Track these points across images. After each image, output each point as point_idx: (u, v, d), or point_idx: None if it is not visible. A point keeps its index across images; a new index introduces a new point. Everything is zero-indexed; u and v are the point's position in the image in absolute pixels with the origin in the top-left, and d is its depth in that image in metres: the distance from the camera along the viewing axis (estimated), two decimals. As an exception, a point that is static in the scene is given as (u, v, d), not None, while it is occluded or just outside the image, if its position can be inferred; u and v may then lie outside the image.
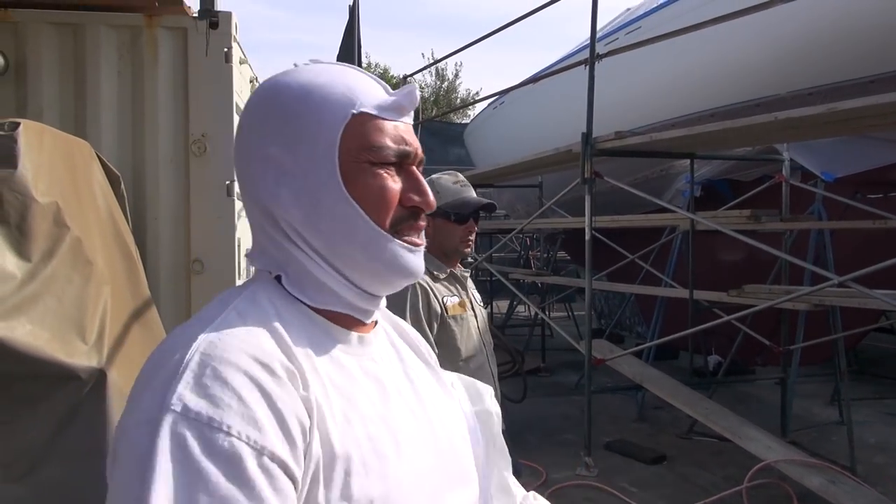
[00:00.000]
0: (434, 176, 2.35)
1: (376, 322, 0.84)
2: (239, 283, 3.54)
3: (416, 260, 0.76)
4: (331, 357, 0.73)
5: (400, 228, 0.75)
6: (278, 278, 0.76)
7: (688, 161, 5.14)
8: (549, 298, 9.24)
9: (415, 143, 0.77)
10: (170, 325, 3.03)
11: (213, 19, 3.35)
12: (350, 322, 0.78)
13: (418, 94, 0.78)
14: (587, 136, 4.38)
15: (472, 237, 2.42)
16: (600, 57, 4.41)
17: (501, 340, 3.89)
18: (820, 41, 4.51)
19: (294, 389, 0.65)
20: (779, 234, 5.04)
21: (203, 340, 0.65)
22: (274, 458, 0.60)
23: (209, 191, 3.36)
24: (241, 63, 3.85)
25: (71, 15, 3.28)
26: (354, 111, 0.73)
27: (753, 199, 5.52)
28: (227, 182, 3.40)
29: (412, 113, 0.79)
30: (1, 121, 2.33)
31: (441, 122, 14.11)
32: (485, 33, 6.21)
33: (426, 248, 0.80)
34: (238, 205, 3.63)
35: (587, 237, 4.47)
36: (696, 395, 4.51)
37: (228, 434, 0.59)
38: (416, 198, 0.76)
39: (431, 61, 17.79)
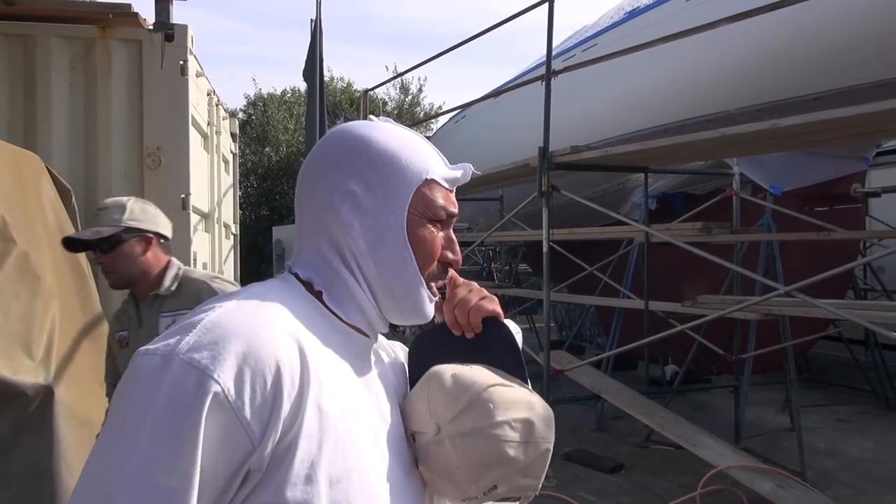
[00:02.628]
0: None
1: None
2: (194, 296, 3.51)
3: (431, 307, 0.92)
4: (339, 353, 0.84)
5: (431, 278, 0.91)
6: (319, 293, 0.88)
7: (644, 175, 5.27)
8: (511, 310, 9.30)
9: (453, 209, 0.93)
10: (122, 341, 2.99)
11: (169, 32, 3.34)
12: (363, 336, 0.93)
13: (462, 170, 0.94)
14: (544, 150, 4.46)
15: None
16: (556, 73, 4.50)
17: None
18: (768, 59, 4.67)
19: (287, 375, 0.73)
20: (730, 245, 5.17)
21: (220, 311, 0.75)
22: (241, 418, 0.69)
23: (164, 204, 3.28)
24: (197, 76, 3.83)
25: (21, 26, 3.24)
26: (427, 177, 0.89)
27: (706, 211, 5.66)
28: (183, 195, 3.38)
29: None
30: (-55, 133, 2.28)
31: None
32: (447, 48, 6.27)
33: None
34: (194, 218, 3.60)
35: (545, 249, 4.53)
36: (652, 404, 4.59)
37: (217, 382, 0.68)
38: (450, 255, 0.92)
39: (394, 74, 17.86)
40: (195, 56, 3.62)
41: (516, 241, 8.25)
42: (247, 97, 22.04)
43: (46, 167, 2.92)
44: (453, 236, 0.94)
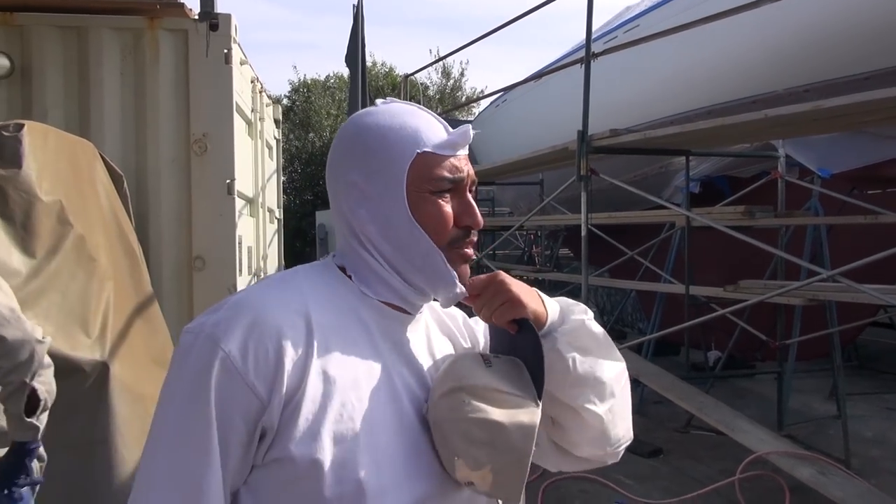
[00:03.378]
0: None
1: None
2: (240, 279, 3.63)
3: (455, 275, 0.93)
4: (366, 328, 0.91)
5: (456, 245, 0.93)
6: (350, 277, 0.94)
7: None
8: (552, 295, 9.29)
9: (467, 171, 0.94)
10: (171, 320, 3.11)
11: (213, 21, 3.42)
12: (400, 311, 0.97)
13: (472, 131, 0.94)
14: (583, 134, 4.44)
15: None
16: (596, 55, 4.46)
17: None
18: (817, 38, 4.54)
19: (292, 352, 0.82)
20: (775, 230, 5.07)
21: (246, 291, 0.90)
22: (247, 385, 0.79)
23: (210, 189, 3.44)
24: (241, 64, 3.92)
25: (74, 18, 3.36)
26: (419, 150, 0.91)
27: (751, 195, 5.56)
28: (228, 181, 3.47)
29: (467, 146, 0.95)
30: (6, 122, 2.41)
31: (447, 118, 14.17)
32: (488, 31, 6.26)
33: None
34: (239, 203, 3.71)
35: (583, 233, 4.52)
36: (692, 389, 4.56)
37: (223, 350, 0.79)
38: (466, 220, 0.93)
39: (435, 59, 17.84)
40: (239, 44, 3.70)
41: (557, 225, 8.22)
42: (290, 83, 22.29)
43: (100, 154, 3.06)
44: (469, 199, 0.95)
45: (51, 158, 2.52)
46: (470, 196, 0.96)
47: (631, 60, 5.33)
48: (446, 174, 0.92)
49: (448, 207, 0.93)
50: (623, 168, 5.96)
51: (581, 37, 4.65)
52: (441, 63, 21.07)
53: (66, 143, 2.74)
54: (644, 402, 5.76)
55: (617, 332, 8.41)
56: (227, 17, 3.49)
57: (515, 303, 0.93)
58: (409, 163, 0.91)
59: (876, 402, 5.97)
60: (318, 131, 19.55)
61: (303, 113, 20.28)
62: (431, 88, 22.09)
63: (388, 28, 39.39)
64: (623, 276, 7.10)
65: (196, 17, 3.47)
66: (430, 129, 0.93)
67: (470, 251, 0.95)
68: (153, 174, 3.39)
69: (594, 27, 4.73)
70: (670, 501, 3.89)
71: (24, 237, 2.31)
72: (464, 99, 21.91)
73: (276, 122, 5.74)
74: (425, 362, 0.97)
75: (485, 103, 11.05)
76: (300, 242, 17.23)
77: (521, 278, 8.20)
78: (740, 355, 6.37)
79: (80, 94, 3.35)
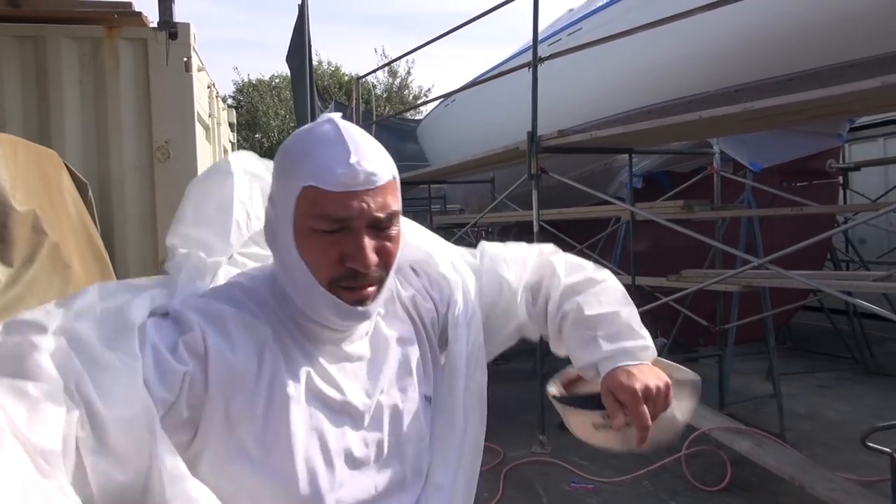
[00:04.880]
0: None
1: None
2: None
3: (349, 312, 0.91)
4: (271, 331, 0.93)
5: (336, 286, 0.90)
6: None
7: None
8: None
9: (360, 209, 0.88)
10: (140, 324, 3.18)
11: (172, 30, 3.49)
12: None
13: (368, 165, 0.88)
14: (532, 135, 4.65)
15: None
16: (542, 60, 4.68)
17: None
18: (746, 41, 4.87)
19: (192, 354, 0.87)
20: (712, 222, 5.40)
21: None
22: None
23: (174, 194, 3.50)
24: (199, 70, 3.99)
25: (31, 28, 3.38)
26: (304, 185, 0.87)
27: (690, 189, 5.88)
28: (191, 186, 3.56)
29: (374, 178, 0.89)
30: (-23, 135, 2.45)
31: (395, 118, 14.27)
32: (434, 29, 6.45)
33: None
34: (201, 208, 3.78)
35: (535, 229, 4.75)
36: (640, 374, 4.83)
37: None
38: (349, 262, 0.89)
39: (383, 60, 17.98)
40: (196, 52, 3.77)
41: (508, 222, 8.46)
42: (235, 83, 22.03)
43: (64, 163, 3.10)
44: (361, 240, 0.89)
45: (21, 169, 2.57)
46: (365, 237, 0.89)
47: (575, 62, 5.58)
48: (329, 213, 0.87)
49: (331, 247, 0.88)
50: (571, 165, 6.22)
51: (527, 37, 4.86)
52: (392, 63, 21.16)
53: (34, 153, 2.78)
54: (596, 388, 6.01)
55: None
56: (186, 25, 3.56)
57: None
58: (296, 196, 0.88)
59: (808, 381, 6.39)
60: (266, 132, 19.42)
61: (248, 114, 20.08)
62: (378, 87, 22.14)
63: (333, 26, 39.19)
64: (572, 270, 7.36)
65: (155, 25, 3.54)
66: (329, 161, 0.87)
67: (359, 292, 0.91)
68: (117, 181, 3.44)
69: (539, 28, 4.95)
70: (622, 478, 4.15)
71: (0, 247, 2.36)
72: (411, 98, 22.03)
73: (231, 125, 5.80)
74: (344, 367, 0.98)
75: (434, 102, 11.21)
76: (251, 244, 17.09)
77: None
78: (684, 341, 6.72)
79: (39, 104, 3.37)
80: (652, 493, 4.00)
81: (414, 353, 1.07)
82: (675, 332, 5.97)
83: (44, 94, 3.37)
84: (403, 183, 8.58)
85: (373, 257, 0.89)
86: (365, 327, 1.01)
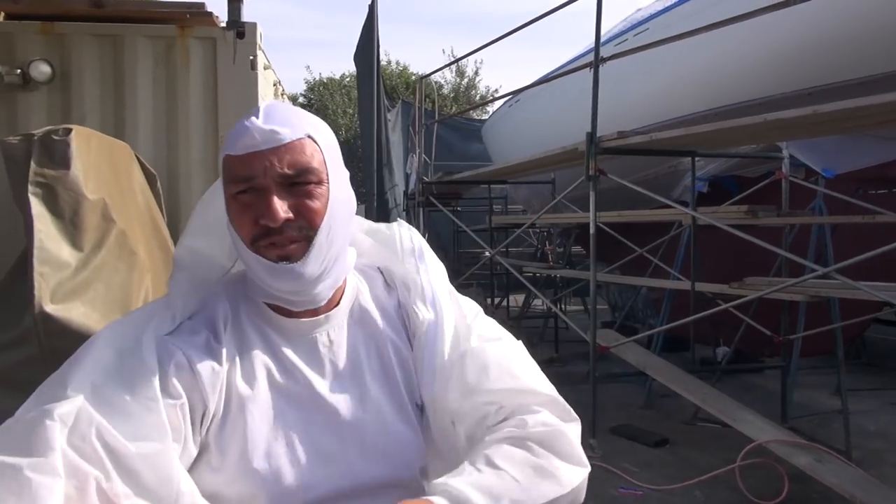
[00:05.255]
0: None
1: (338, 305, 1.06)
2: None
3: (276, 270, 0.95)
4: (254, 335, 1.00)
5: (258, 245, 0.96)
6: None
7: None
8: (562, 291, 9.45)
9: (264, 169, 0.93)
10: (201, 311, 3.32)
11: (240, 30, 3.63)
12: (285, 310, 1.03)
13: (270, 125, 0.94)
14: (592, 136, 4.60)
15: None
16: (604, 60, 4.62)
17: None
18: (821, 41, 4.67)
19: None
20: (780, 229, 5.20)
21: None
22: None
23: (236, 188, 3.64)
24: (265, 69, 4.12)
25: (111, 27, 3.58)
26: (222, 156, 0.99)
27: (757, 194, 5.68)
28: (254, 180, 3.69)
29: (277, 136, 0.94)
30: (55, 127, 2.62)
31: (462, 118, 14.32)
32: (502, 30, 6.44)
33: None
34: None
35: (591, 231, 4.69)
36: (698, 382, 4.71)
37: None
38: (261, 219, 0.94)
39: (450, 59, 18.06)
40: (263, 51, 3.90)
41: (569, 223, 8.38)
42: (306, 82, 22.57)
43: (136, 155, 3.27)
44: (268, 199, 0.93)
45: (94, 160, 2.73)
46: (274, 195, 0.93)
47: (640, 63, 5.47)
48: (235, 174, 0.95)
49: (247, 208, 0.94)
50: (633, 168, 6.11)
51: (592, 38, 4.80)
52: (456, 63, 21.25)
53: (107, 144, 2.95)
54: (652, 395, 5.90)
55: (628, 328, 8.55)
56: (253, 25, 3.69)
57: None
58: (222, 170, 0.99)
59: (882, 398, 6.08)
60: (334, 129, 19.83)
61: (319, 112, 20.55)
62: (446, 87, 22.26)
63: (401, 26, 39.63)
64: (634, 273, 7.24)
65: (223, 25, 3.69)
66: (238, 128, 0.95)
67: (281, 249, 0.95)
68: (184, 174, 3.59)
69: (605, 28, 4.89)
70: (673, 487, 4.05)
71: (72, 232, 2.51)
72: (478, 98, 22.07)
73: (297, 122, 5.96)
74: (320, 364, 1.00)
75: (499, 103, 11.20)
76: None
77: (533, 276, 8.36)
78: (749, 351, 6.50)
79: (115, 99, 3.56)
80: (703, 504, 3.91)
81: (402, 357, 1.06)
82: (737, 340, 5.78)
83: (120, 90, 3.56)
84: (462, 182, 8.56)
85: (280, 213, 0.92)
86: (338, 319, 1.03)
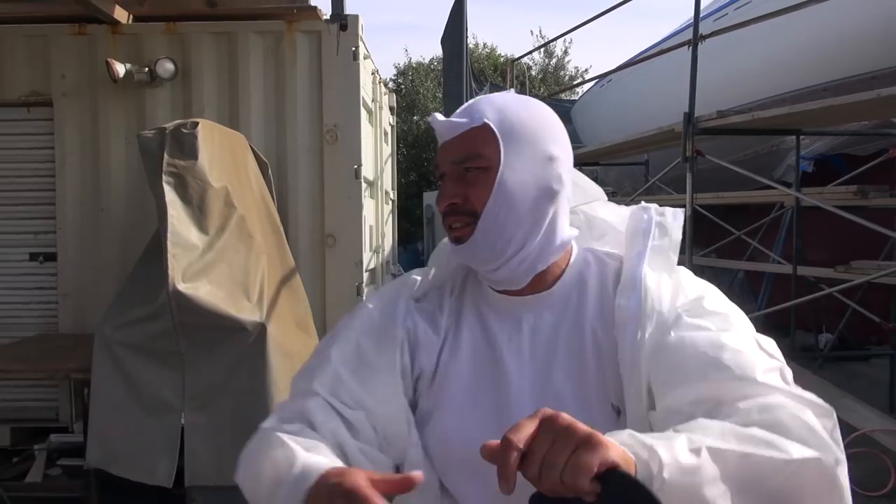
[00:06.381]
0: None
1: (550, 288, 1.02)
2: (365, 255, 4.01)
3: (453, 249, 1.00)
4: (469, 305, 1.05)
5: (445, 225, 0.99)
6: None
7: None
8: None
9: (443, 155, 0.98)
10: (308, 290, 3.53)
11: (343, 22, 3.80)
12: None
13: (457, 115, 0.98)
14: (689, 116, 4.51)
15: None
16: (703, 38, 4.51)
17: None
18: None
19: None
20: (892, 210, 4.94)
21: None
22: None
23: (340, 174, 3.83)
24: (364, 58, 4.29)
25: (225, 25, 3.83)
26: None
27: (867, 174, 5.40)
28: (355, 166, 3.85)
29: (457, 125, 0.97)
30: (184, 121, 2.87)
31: (551, 99, 14.20)
32: (589, 4, 6.35)
33: None
34: (364, 186, 4.09)
35: (686, 213, 4.60)
36: (798, 369, 4.57)
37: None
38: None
39: (540, 41, 17.87)
40: (363, 41, 4.06)
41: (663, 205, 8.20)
42: (396, 66, 22.88)
43: (250, 145, 3.51)
44: (444, 185, 0.97)
45: (217, 150, 2.97)
46: (448, 180, 0.97)
47: (739, 38, 5.30)
48: (436, 163, 1.00)
49: (440, 192, 0.98)
50: (732, 147, 5.93)
51: (691, 11, 4.68)
52: (546, 45, 20.97)
53: (226, 136, 3.19)
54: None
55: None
56: (355, 17, 3.84)
57: (594, 444, 0.64)
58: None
59: None
60: (423, 114, 20.02)
61: (408, 96, 20.79)
62: (534, 68, 22.01)
63: (490, 8, 39.34)
64: (731, 257, 7.04)
65: (327, 18, 3.86)
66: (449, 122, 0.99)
67: (453, 231, 0.98)
68: (291, 161, 3.81)
69: (703, 4, 4.75)
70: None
71: (199, 218, 2.76)
72: (566, 78, 21.71)
73: (391, 109, 6.13)
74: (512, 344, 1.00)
75: (590, 84, 11.05)
76: (407, 222, 17.81)
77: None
78: (854, 338, 6.22)
79: (230, 92, 3.81)
80: (804, 493, 3.82)
81: (605, 355, 0.96)
82: (841, 327, 5.55)
83: (234, 84, 3.80)
84: None
85: (447, 198, 0.97)
86: (546, 302, 1.01)
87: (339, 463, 0.83)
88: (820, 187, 4.90)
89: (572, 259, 1.04)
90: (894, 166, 5.07)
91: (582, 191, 1.16)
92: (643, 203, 1.08)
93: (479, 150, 0.95)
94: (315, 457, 0.82)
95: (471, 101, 1.00)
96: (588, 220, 1.14)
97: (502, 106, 0.98)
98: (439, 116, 0.99)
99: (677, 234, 1.02)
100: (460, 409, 0.98)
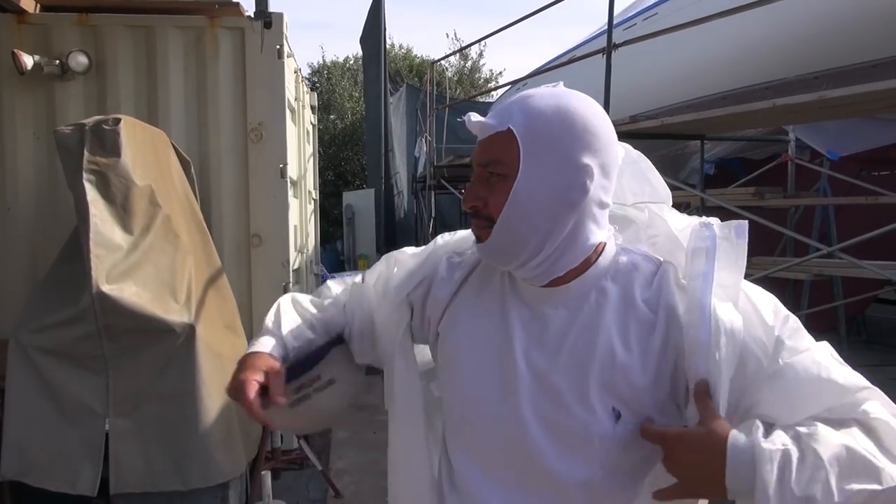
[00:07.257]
0: None
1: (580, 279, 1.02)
2: (292, 255, 3.97)
3: (477, 248, 1.03)
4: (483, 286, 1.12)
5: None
6: None
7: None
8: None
9: (474, 156, 1.02)
10: (235, 291, 3.47)
11: (267, 20, 3.76)
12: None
13: (487, 117, 0.99)
14: (604, 120, 4.71)
15: None
16: (616, 46, 4.73)
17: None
18: (826, 27, 4.78)
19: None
20: (785, 210, 5.35)
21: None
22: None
23: (265, 173, 3.78)
24: (288, 57, 4.25)
25: (143, 18, 3.70)
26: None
27: (763, 176, 5.82)
28: (281, 165, 3.82)
29: (485, 127, 0.99)
30: (105, 117, 2.77)
31: (467, 101, 14.40)
32: (506, 10, 6.51)
33: None
34: (289, 185, 4.05)
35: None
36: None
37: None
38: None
39: (455, 43, 18.11)
40: (287, 40, 4.02)
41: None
42: (310, 65, 22.57)
43: (171, 142, 3.41)
44: (471, 186, 1.01)
45: (140, 147, 2.88)
46: (476, 180, 1.00)
47: (649, 47, 5.57)
48: (474, 157, 1.03)
49: (467, 191, 1.02)
50: (642, 150, 6.21)
51: (601, 14, 4.86)
52: (458, 45, 21.24)
53: (149, 133, 3.10)
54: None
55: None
56: (280, 15, 3.81)
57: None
58: None
59: (880, 374, 6.21)
60: (340, 113, 19.84)
61: (325, 95, 20.55)
62: (450, 70, 22.24)
63: (404, 9, 39.40)
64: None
65: (251, 15, 3.81)
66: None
67: (475, 229, 1.02)
68: (215, 160, 3.72)
69: (615, 12, 4.96)
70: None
71: (123, 217, 2.67)
72: (481, 80, 22.06)
73: (313, 108, 6.07)
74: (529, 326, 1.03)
75: (505, 87, 11.29)
76: (323, 221, 17.60)
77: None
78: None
79: (148, 88, 3.68)
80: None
81: (616, 358, 0.96)
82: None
83: (152, 80, 3.67)
84: (459, 167, 8.59)
85: (469, 200, 1.00)
86: (563, 297, 1.01)
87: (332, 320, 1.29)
88: (722, 189, 5.24)
89: (601, 257, 1.02)
90: (787, 170, 5.48)
91: (652, 189, 1.18)
92: (705, 218, 1.06)
93: (501, 156, 0.96)
94: (277, 334, 1.22)
95: (510, 100, 1.01)
96: (650, 218, 1.13)
97: (534, 110, 0.96)
98: (473, 116, 1.00)
99: (744, 253, 1.00)
100: (469, 356, 1.07)
